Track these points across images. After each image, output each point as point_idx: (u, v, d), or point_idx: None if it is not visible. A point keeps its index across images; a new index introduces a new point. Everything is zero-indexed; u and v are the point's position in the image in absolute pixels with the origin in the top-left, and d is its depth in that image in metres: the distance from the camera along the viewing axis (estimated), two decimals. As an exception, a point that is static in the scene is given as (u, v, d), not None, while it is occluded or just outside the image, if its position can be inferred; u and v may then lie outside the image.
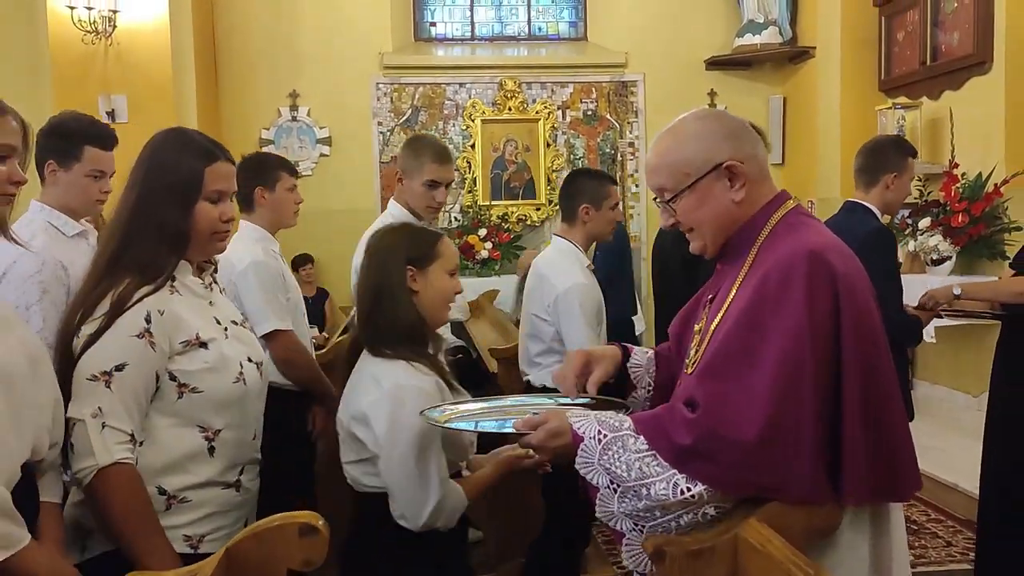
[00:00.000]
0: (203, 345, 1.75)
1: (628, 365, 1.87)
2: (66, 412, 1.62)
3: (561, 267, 3.12)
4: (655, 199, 1.69)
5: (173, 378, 1.73)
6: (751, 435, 1.39)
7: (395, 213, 3.11)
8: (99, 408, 1.63)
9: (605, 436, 1.49)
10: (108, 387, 1.64)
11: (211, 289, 1.90)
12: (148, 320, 1.68)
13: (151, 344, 1.68)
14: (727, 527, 1.42)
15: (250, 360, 1.86)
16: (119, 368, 1.65)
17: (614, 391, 1.84)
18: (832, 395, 1.44)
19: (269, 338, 2.82)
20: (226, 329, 1.85)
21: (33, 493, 1.55)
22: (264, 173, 3.04)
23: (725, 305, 1.58)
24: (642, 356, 1.90)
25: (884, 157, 3.37)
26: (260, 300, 2.85)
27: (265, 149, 7.43)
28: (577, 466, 1.51)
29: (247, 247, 2.93)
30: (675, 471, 1.43)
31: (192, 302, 1.80)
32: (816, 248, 1.49)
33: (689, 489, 1.42)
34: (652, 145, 1.68)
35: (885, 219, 3.49)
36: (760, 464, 1.40)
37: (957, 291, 3.19)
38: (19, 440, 1.48)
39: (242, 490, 1.85)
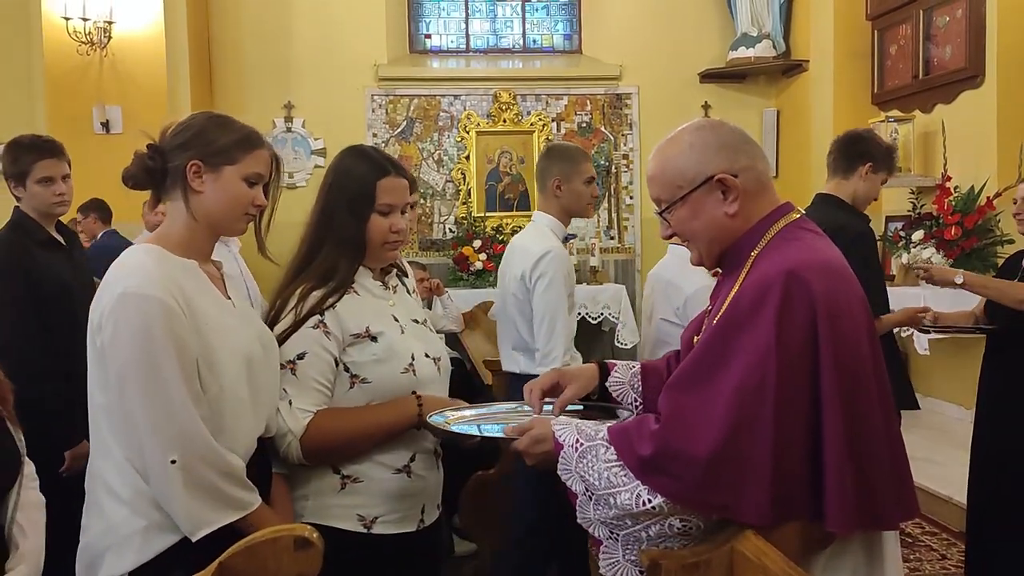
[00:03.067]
0: (373, 339, 1.89)
1: (607, 384, 1.87)
2: None
3: (687, 271, 3.16)
4: (655, 211, 1.69)
5: (346, 369, 1.88)
6: (706, 453, 1.38)
7: (547, 223, 3.12)
8: (285, 390, 1.83)
9: (582, 444, 1.51)
10: (293, 374, 1.84)
11: (394, 291, 2.03)
12: (322, 314, 1.86)
13: (326, 334, 1.85)
14: (723, 539, 1.41)
15: (427, 356, 1.97)
16: (300, 357, 1.84)
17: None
18: (810, 419, 1.41)
19: None
20: (403, 326, 1.96)
21: (266, 464, 1.83)
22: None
23: (716, 318, 1.55)
24: (625, 372, 1.90)
25: None
26: None
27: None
28: (558, 472, 1.53)
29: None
30: (639, 482, 1.44)
31: (369, 302, 1.94)
32: (796, 267, 1.44)
33: (650, 500, 1.43)
34: (651, 155, 1.66)
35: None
36: (714, 483, 1.39)
37: (959, 280, 3.12)
38: (256, 418, 1.76)
39: (413, 476, 1.94)
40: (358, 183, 1.91)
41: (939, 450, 5.06)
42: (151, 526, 1.62)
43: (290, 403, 1.82)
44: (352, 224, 1.91)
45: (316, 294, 1.87)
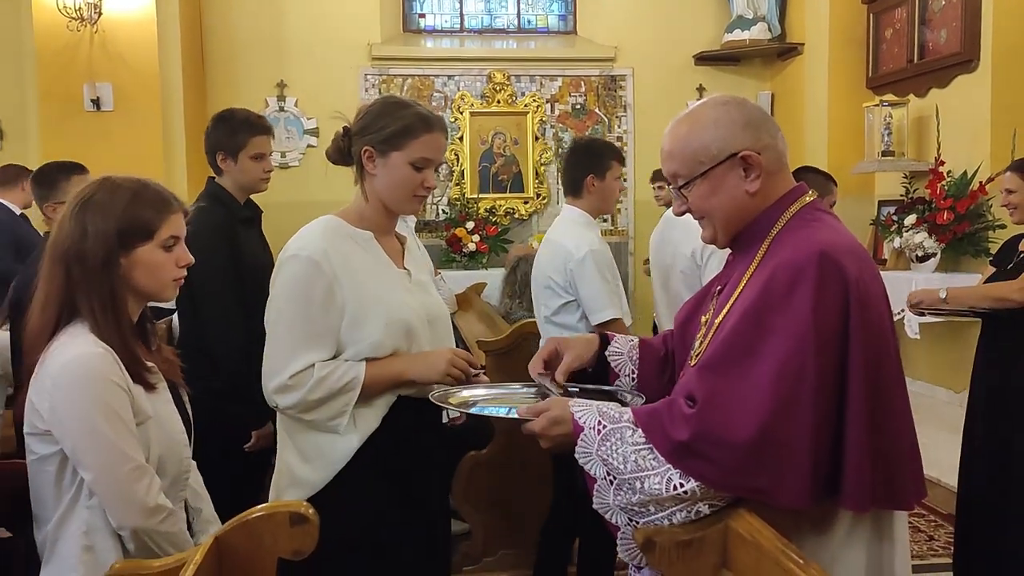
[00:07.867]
0: None
1: (607, 353, 1.84)
2: None
3: None
4: (669, 185, 1.66)
5: None
6: (745, 437, 1.36)
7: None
8: None
9: (604, 427, 1.47)
10: None
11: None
12: None
13: None
14: (717, 517, 1.42)
15: None
16: None
17: (593, 379, 1.82)
18: (836, 401, 1.40)
19: (604, 326, 2.87)
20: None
21: None
22: (596, 161, 3.07)
23: (733, 298, 1.54)
24: (624, 344, 1.87)
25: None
26: (599, 288, 2.93)
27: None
28: (576, 455, 1.49)
29: (582, 234, 3.00)
30: (670, 466, 1.41)
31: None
32: (829, 249, 1.43)
33: (682, 485, 1.40)
34: (668, 130, 1.63)
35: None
36: (753, 467, 1.37)
37: (943, 295, 3.24)
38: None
39: None
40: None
41: (928, 433, 5.05)
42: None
43: None
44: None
45: None
